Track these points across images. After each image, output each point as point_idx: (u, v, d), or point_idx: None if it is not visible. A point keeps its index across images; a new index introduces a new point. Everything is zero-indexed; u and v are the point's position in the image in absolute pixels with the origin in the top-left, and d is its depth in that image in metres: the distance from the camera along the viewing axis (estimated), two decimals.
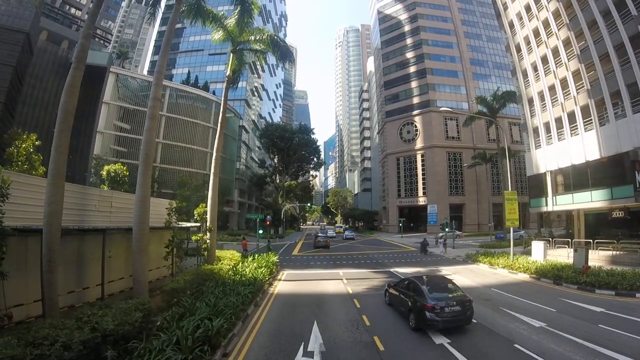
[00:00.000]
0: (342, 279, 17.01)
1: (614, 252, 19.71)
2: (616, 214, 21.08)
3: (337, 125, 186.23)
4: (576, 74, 24.01)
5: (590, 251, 17.76)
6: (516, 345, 7.84)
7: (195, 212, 17.14)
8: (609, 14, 21.05)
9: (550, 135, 26.43)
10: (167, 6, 73.90)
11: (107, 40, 57.77)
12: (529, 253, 22.45)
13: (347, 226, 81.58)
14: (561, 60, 25.14)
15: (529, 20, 28.37)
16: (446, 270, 19.69)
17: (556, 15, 25.44)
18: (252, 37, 18.19)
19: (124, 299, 9.80)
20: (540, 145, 27.69)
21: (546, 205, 26.57)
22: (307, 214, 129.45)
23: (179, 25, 58.75)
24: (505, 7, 31.77)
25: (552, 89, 26.36)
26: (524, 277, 17.13)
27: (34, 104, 34.73)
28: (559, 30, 25.29)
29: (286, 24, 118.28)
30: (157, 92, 12.30)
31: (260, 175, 71.01)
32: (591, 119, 22.58)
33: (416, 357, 7.41)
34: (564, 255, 20.56)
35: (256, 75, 72.49)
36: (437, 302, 8.73)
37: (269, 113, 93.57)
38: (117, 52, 62.91)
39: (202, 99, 53.45)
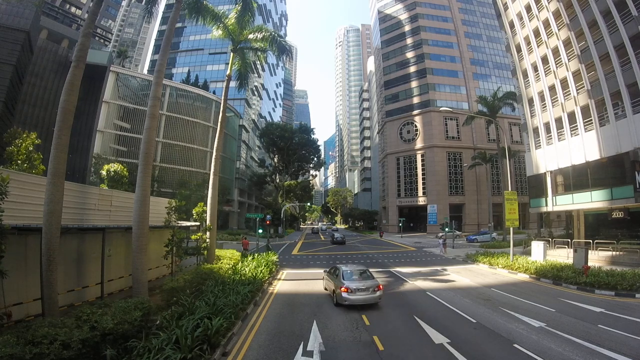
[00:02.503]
0: None
1: (614, 253, 19.73)
2: (616, 215, 21.08)
3: (337, 124, 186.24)
4: (576, 74, 24.00)
5: (590, 251, 17.77)
6: (515, 345, 7.84)
7: (194, 211, 17.12)
8: (609, 14, 21.02)
9: (551, 136, 26.43)
10: (167, 5, 73.63)
11: (107, 39, 57.85)
12: (528, 253, 22.47)
13: (346, 226, 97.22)
14: (561, 61, 25.13)
15: (530, 20, 28.35)
16: (446, 270, 19.70)
17: (556, 15, 25.42)
18: (252, 35, 18.18)
19: (123, 297, 9.82)
20: (540, 145, 27.68)
21: (546, 205, 26.56)
22: (307, 214, 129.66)
23: (179, 25, 58.72)
24: (506, 7, 31.75)
25: (552, 89, 26.35)
26: (523, 277, 17.13)
27: (34, 102, 34.75)
28: (559, 30, 25.28)
29: (286, 23, 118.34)
30: (157, 91, 12.29)
31: (260, 174, 70.97)
32: (591, 119, 22.57)
33: (415, 357, 7.40)
34: (563, 256, 20.57)
35: (256, 75, 72.43)
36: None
37: (269, 112, 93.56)
38: (117, 51, 62.81)
39: (202, 98, 53.43)
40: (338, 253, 30.06)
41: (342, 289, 11.14)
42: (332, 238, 39.92)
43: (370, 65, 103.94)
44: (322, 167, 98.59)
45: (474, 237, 40.17)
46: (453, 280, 16.68)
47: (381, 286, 11.70)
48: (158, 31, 76.25)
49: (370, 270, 20.01)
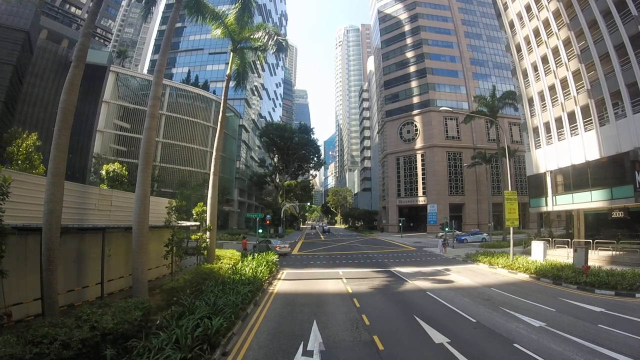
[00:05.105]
0: (341, 279, 17.01)
1: (614, 252, 19.73)
2: (616, 214, 21.07)
3: (337, 124, 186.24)
4: (576, 74, 24.00)
5: (590, 251, 17.77)
6: (516, 345, 7.84)
7: (194, 211, 17.13)
8: (609, 14, 21.03)
9: (550, 135, 26.43)
10: (167, 5, 73.62)
11: (107, 39, 57.79)
12: (528, 253, 22.47)
13: (346, 226, 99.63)
14: (561, 60, 25.13)
15: (529, 20, 28.35)
16: (446, 270, 19.70)
17: (556, 15, 25.42)
18: (251, 34, 18.18)
19: (123, 297, 9.82)
20: (540, 145, 27.69)
21: (546, 205, 26.57)
22: (307, 214, 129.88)
23: (179, 25, 58.71)
24: (506, 7, 31.75)
25: (552, 88, 26.35)
26: (523, 276, 17.14)
27: (34, 102, 34.74)
28: (559, 30, 25.28)
29: (286, 23, 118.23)
30: (157, 91, 12.30)
31: (260, 174, 70.95)
32: (591, 119, 22.58)
33: (415, 356, 7.41)
34: (563, 255, 20.58)
35: (256, 75, 72.40)
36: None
37: (269, 112, 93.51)
38: (117, 51, 62.82)
39: (202, 98, 53.39)
40: (338, 253, 30.06)
41: (277, 247, 25.84)
42: (322, 229, 71.15)
43: (370, 65, 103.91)
44: (322, 167, 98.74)
45: (464, 237, 39.41)
46: (453, 280, 16.68)
47: (288, 246, 28.84)
48: (158, 31, 76.21)
49: (370, 269, 20.19)
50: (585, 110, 23.20)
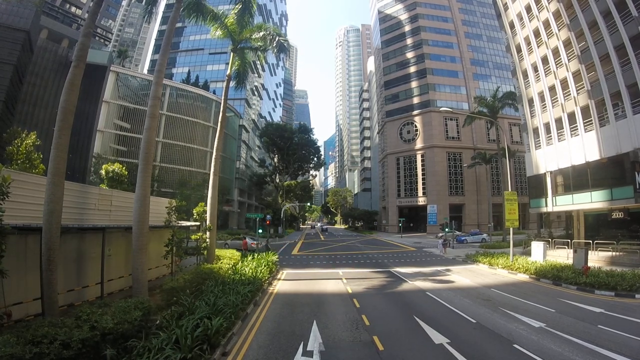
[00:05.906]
0: (341, 279, 17.01)
1: (614, 253, 19.72)
2: (616, 215, 21.07)
3: (337, 125, 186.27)
4: (576, 75, 23.99)
5: (589, 252, 17.78)
6: (515, 346, 7.84)
7: (194, 211, 17.12)
8: (609, 15, 21.02)
9: (550, 136, 26.42)
10: (168, 5, 73.58)
11: (108, 39, 57.82)
12: (528, 253, 22.47)
13: (346, 227, 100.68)
14: (561, 61, 25.12)
15: (530, 21, 28.35)
16: (446, 270, 19.70)
17: (557, 15, 25.42)
18: (252, 35, 18.18)
19: (123, 297, 9.82)
20: (540, 145, 27.68)
21: (546, 205, 26.56)
22: (307, 214, 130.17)
23: (179, 25, 58.67)
24: (506, 8, 31.75)
25: (552, 89, 26.34)
26: (523, 277, 17.13)
27: (34, 102, 34.73)
28: (559, 30, 25.27)
29: (286, 23, 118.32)
30: (157, 91, 12.29)
31: (260, 174, 70.99)
32: (591, 120, 22.57)
33: (415, 357, 7.41)
34: (563, 256, 20.57)
35: (256, 75, 72.43)
36: None
37: (269, 112, 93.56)
38: (118, 51, 62.80)
39: (202, 98, 53.43)
40: (338, 253, 30.06)
41: (251, 244, 28.12)
42: (321, 229, 77.55)
43: (370, 65, 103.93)
44: (322, 167, 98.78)
45: (464, 237, 39.33)
46: (453, 281, 16.68)
47: (255, 243, 28.77)
48: (158, 31, 76.26)
49: (370, 270, 20.25)
50: (585, 111, 23.19)
